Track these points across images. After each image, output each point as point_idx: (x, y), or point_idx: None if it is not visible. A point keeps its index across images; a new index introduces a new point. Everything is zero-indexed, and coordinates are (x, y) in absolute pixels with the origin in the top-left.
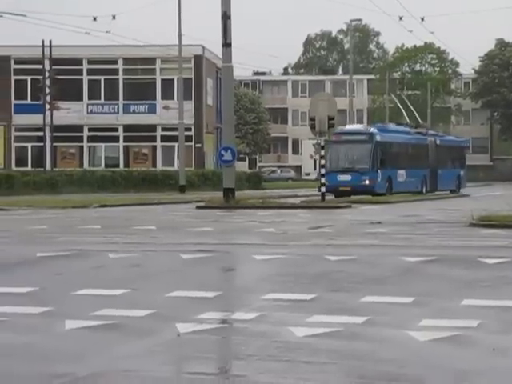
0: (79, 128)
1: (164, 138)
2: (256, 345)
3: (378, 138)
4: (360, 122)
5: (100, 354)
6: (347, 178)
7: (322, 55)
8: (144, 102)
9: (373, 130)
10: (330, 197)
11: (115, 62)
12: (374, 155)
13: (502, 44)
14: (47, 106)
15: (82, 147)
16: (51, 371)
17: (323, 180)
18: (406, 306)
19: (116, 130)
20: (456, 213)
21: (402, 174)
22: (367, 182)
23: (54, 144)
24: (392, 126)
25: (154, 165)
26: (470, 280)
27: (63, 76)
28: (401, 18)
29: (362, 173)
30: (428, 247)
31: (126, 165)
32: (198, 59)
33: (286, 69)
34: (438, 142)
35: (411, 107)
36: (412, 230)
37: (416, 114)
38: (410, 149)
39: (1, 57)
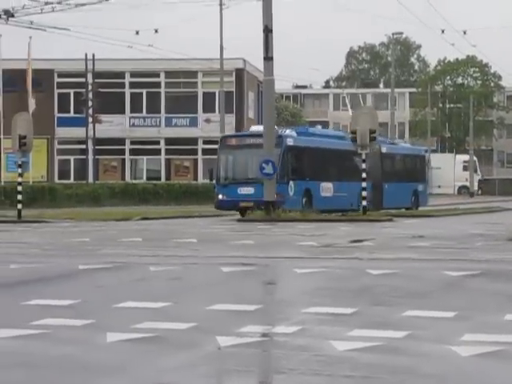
0: (121, 141)
1: (205, 151)
2: (297, 359)
3: (289, 142)
4: (401, 135)
5: (141, 367)
6: (249, 190)
7: (365, 68)
8: (186, 115)
9: (286, 132)
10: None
11: (157, 75)
12: (284, 163)
13: None
14: (90, 119)
15: (123, 160)
16: (93, 383)
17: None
18: (448, 320)
19: (158, 142)
20: (499, 226)
21: (327, 188)
22: (274, 195)
23: (97, 157)
24: (318, 130)
25: (196, 178)
26: None
27: (105, 89)
28: (443, 32)
29: None
30: (470, 261)
31: (168, 178)
32: (240, 72)
33: (327, 82)
34: (384, 150)
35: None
36: (454, 243)
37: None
38: (341, 157)
39: (44, 70)
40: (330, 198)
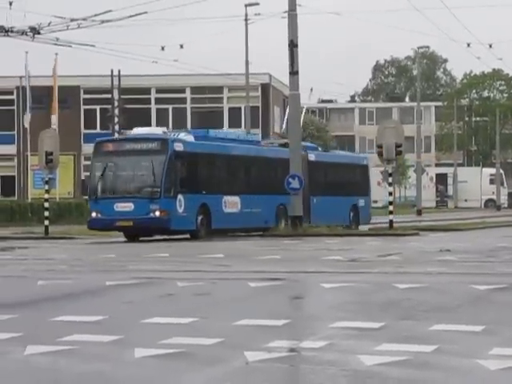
0: None
1: None
2: (325, 373)
3: (177, 147)
4: (428, 149)
5: (169, 383)
6: (128, 207)
7: (390, 82)
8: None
9: (176, 135)
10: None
11: (183, 90)
12: (170, 172)
13: None
14: (116, 135)
15: None
16: None
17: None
18: (476, 334)
19: None
20: None
21: (232, 202)
22: (157, 213)
23: None
24: (223, 133)
25: None
26: None
27: (132, 105)
28: (469, 45)
29: (150, 199)
30: (498, 275)
31: None
32: (265, 87)
33: (353, 96)
34: (312, 159)
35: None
36: (481, 257)
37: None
38: (253, 165)
39: (71, 87)
40: (236, 215)
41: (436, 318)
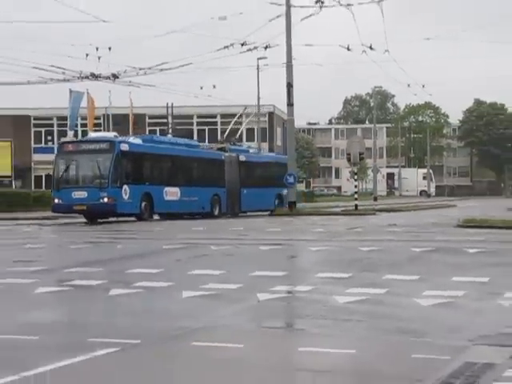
0: None
1: None
2: (311, 308)
3: (122, 147)
4: (381, 156)
5: (207, 314)
6: (83, 194)
7: (355, 110)
8: None
9: (125, 138)
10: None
11: (215, 116)
12: (117, 167)
13: (478, 102)
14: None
15: None
16: (175, 325)
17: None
18: (414, 281)
19: None
20: (447, 218)
21: (172, 192)
22: (106, 199)
23: None
24: (167, 138)
25: None
26: (458, 263)
27: (180, 126)
28: (409, 85)
29: (100, 188)
30: (428, 241)
31: None
32: (271, 114)
33: (330, 120)
34: (242, 159)
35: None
36: (417, 229)
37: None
38: (192, 164)
39: (139, 114)
40: (175, 202)
41: (387, 270)
